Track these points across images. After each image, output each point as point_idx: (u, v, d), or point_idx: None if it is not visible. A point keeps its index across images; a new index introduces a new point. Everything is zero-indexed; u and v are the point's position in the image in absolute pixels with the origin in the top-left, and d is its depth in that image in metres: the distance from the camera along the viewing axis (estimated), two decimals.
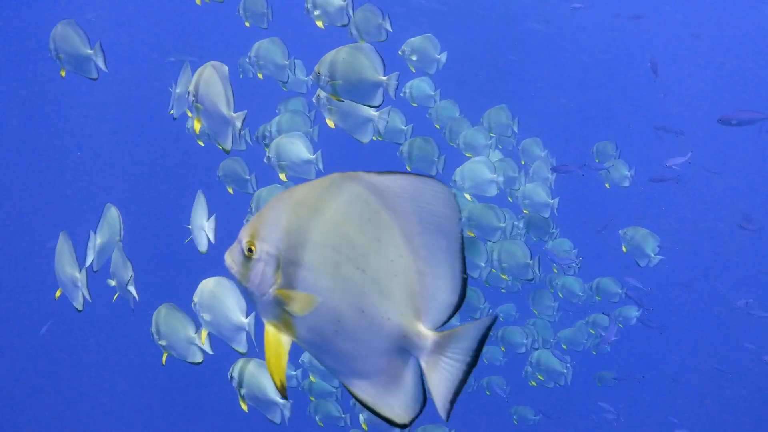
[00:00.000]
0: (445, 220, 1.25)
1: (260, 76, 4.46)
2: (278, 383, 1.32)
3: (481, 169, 4.59)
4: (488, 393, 7.06)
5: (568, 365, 5.84)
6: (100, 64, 3.15)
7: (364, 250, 1.27)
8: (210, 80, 2.63)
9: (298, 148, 3.76)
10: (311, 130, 4.45)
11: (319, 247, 1.28)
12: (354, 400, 1.53)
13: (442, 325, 1.29)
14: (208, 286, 2.94)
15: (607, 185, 5.79)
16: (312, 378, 5.12)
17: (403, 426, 1.31)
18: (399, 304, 1.27)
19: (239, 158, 4.65)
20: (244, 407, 3.17)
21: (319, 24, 3.73)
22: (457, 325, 1.29)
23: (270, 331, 1.34)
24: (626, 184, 5.73)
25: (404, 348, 1.29)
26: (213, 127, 2.69)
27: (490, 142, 5.05)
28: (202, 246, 3.48)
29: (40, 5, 13.08)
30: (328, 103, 3.25)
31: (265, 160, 3.96)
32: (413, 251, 1.26)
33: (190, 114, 2.79)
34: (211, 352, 3.04)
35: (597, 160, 5.93)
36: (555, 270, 5.55)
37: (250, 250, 1.32)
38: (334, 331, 1.29)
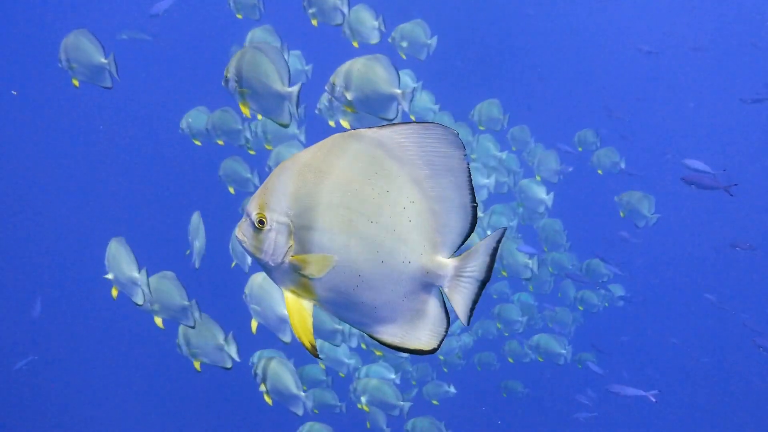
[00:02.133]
0: (451, 158, 1.29)
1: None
2: (308, 345, 1.36)
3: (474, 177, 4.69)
4: (479, 369, 7.23)
5: (567, 346, 6.08)
6: (114, 73, 3.16)
7: (375, 203, 1.31)
8: (254, 61, 2.63)
9: None
10: (298, 132, 4.42)
11: (330, 208, 1.31)
12: (378, 346, 1.67)
13: (457, 250, 1.36)
14: (257, 280, 3.21)
15: (599, 171, 5.96)
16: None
17: (431, 351, 1.38)
18: (417, 246, 1.33)
19: (239, 158, 4.66)
20: (269, 401, 3.38)
21: (313, 22, 3.77)
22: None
23: (290, 297, 1.38)
24: (618, 169, 5.93)
25: (426, 282, 1.36)
26: (265, 107, 2.67)
27: (472, 139, 5.14)
28: (196, 263, 3.55)
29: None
30: (341, 112, 3.23)
31: (267, 169, 3.99)
32: (424, 194, 1.31)
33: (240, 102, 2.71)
34: (238, 359, 3.24)
35: (580, 149, 6.13)
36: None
37: (261, 222, 1.36)
38: (355, 285, 1.34)
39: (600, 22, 15.89)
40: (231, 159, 4.66)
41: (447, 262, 1.35)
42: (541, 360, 6.12)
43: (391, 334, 1.38)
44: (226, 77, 2.71)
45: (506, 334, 6.27)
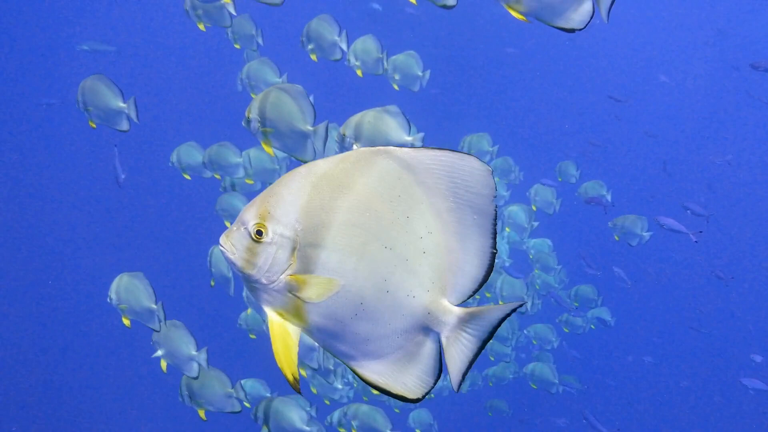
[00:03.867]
0: (479, 196, 1.21)
1: (254, 96, 4.45)
2: (290, 377, 1.22)
3: None
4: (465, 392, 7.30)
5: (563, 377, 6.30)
6: (133, 117, 3.21)
7: (393, 228, 1.21)
8: (278, 102, 2.66)
9: None
10: (277, 167, 4.38)
11: (345, 227, 1.20)
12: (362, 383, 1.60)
13: (465, 300, 1.27)
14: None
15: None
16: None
17: (415, 401, 1.27)
18: (425, 281, 1.23)
19: (237, 193, 4.66)
20: None
21: (313, 57, 3.83)
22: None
23: (275, 321, 1.23)
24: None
25: (425, 324, 1.25)
26: (288, 146, 2.70)
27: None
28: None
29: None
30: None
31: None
32: (443, 227, 1.22)
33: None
34: (248, 405, 3.27)
35: (560, 179, 6.36)
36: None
37: (259, 233, 1.21)
38: (354, 314, 1.22)
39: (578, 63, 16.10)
40: (228, 195, 4.65)
41: (452, 309, 1.25)
42: (535, 387, 6.23)
43: (376, 372, 1.27)
44: (248, 118, 2.74)
45: (492, 358, 6.35)
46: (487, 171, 1.20)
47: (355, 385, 4.93)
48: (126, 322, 3.17)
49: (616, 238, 5.75)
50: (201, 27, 3.70)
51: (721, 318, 14.71)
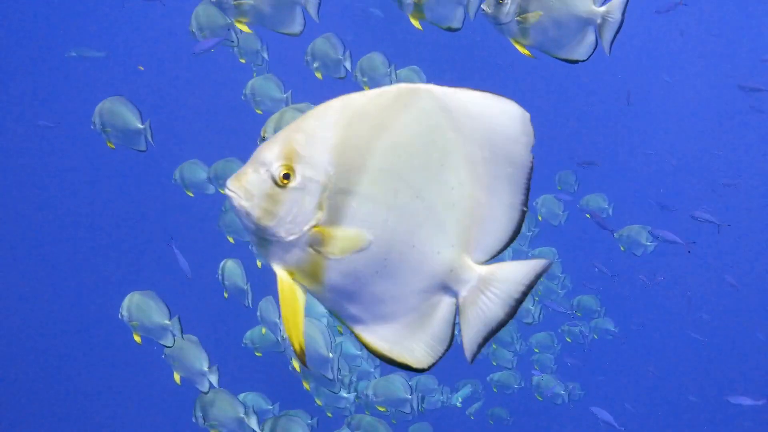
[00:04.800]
0: (517, 146, 1.09)
1: (259, 111, 4.52)
2: (297, 346, 1.07)
3: None
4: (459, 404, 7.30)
5: (567, 387, 6.31)
6: (150, 138, 3.28)
7: (426, 176, 1.09)
8: (294, 119, 2.67)
9: None
10: None
11: (380, 172, 1.07)
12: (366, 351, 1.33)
13: (489, 260, 1.16)
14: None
15: (588, 215, 6.21)
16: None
17: (421, 371, 1.16)
18: (451, 237, 1.12)
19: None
20: None
21: (318, 75, 3.89)
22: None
23: (285, 281, 1.09)
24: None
25: (445, 283, 1.14)
26: None
27: None
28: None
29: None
30: None
31: None
32: (475, 179, 1.11)
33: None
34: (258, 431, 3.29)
35: (559, 188, 6.41)
36: None
37: (286, 176, 1.05)
38: (376, 272, 1.10)
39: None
40: (231, 212, 4.74)
41: (475, 267, 1.14)
42: (540, 399, 6.27)
43: (383, 337, 1.14)
44: (263, 137, 2.76)
45: (494, 363, 6.37)
46: (527, 118, 1.09)
47: (356, 399, 4.94)
48: (137, 338, 3.21)
49: (622, 248, 5.83)
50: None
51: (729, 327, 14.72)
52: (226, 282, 4.29)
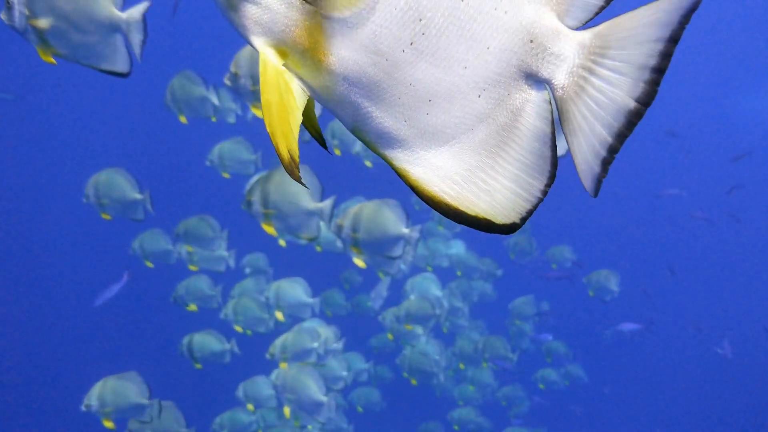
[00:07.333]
0: None
1: (226, 176, 4.26)
2: (284, 154, 0.68)
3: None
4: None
5: None
6: (149, 207, 3.22)
7: None
8: (282, 182, 2.62)
9: (297, 291, 3.77)
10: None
11: None
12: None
13: (586, 23, 0.71)
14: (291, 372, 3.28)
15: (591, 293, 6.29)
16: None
17: (507, 229, 0.74)
18: None
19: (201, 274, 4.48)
20: None
21: (337, 152, 3.98)
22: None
23: (270, 63, 0.70)
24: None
25: (525, 67, 0.71)
26: (292, 226, 2.68)
27: None
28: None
29: None
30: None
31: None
32: None
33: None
34: None
35: (554, 266, 6.45)
36: None
37: None
38: (409, 43, 0.68)
39: None
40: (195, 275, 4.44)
41: (569, 31, 0.70)
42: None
43: (443, 174, 0.74)
44: (249, 201, 2.69)
45: (495, 367, 6.27)
46: None
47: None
48: (108, 425, 3.09)
49: (590, 293, 5.87)
50: (182, 119, 3.72)
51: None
52: (239, 317, 4.07)
